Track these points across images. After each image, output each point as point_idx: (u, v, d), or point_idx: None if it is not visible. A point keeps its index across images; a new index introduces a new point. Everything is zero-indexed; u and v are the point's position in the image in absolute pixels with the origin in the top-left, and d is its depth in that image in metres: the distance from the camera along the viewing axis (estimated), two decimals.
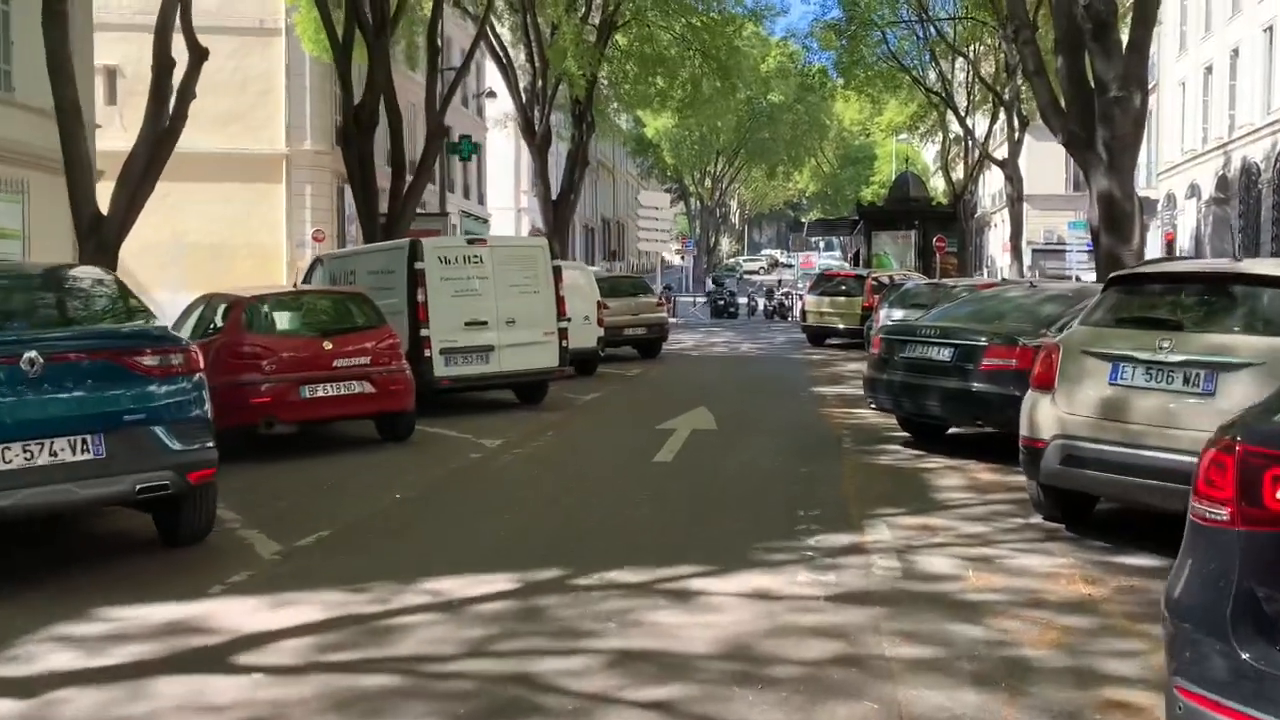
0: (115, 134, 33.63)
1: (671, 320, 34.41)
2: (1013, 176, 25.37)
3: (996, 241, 64.76)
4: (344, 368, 10.03)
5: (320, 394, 9.88)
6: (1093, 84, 18.27)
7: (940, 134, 34.14)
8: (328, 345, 10.04)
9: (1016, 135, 24.99)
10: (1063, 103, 17.97)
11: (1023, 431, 7.10)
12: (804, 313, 25.12)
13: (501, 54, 30.02)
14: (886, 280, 24.47)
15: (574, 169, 31.62)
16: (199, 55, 13.59)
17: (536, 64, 30.32)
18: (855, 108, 76.28)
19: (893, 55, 30.47)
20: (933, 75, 31.13)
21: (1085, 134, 17.79)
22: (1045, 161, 55.58)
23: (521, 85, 31.78)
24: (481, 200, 49.24)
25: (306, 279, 15.56)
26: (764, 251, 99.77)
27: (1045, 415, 6.88)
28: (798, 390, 15.63)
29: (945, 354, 9.78)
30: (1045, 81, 18.11)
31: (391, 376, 10.32)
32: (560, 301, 13.56)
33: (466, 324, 12.79)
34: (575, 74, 28.21)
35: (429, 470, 9.34)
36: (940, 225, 32.08)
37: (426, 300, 12.53)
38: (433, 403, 12.50)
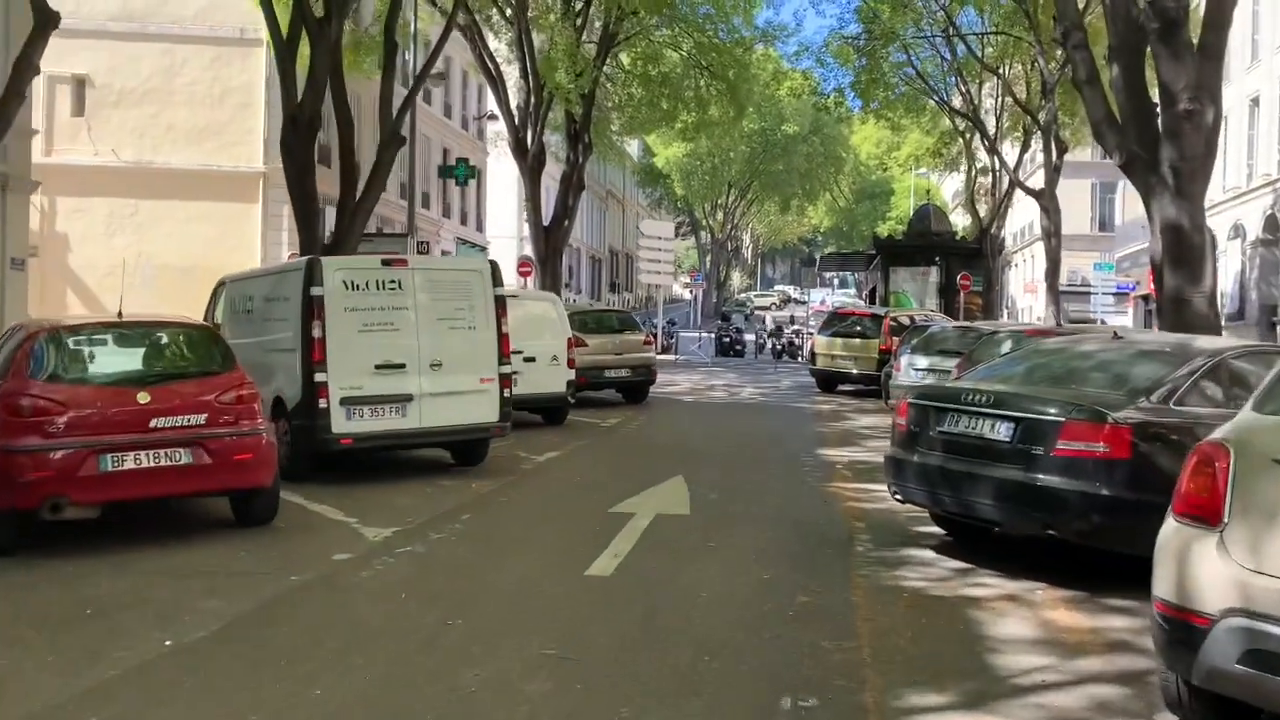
0: (83, 148, 31.32)
1: (673, 358, 31.63)
2: (1049, 209, 22.43)
3: (1018, 281, 61.67)
4: (166, 429, 7.16)
5: (129, 466, 7.01)
6: (1155, 98, 15.45)
7: (965, 163, 31.26)
8: (144, 398, 7.18)
9: (1055, 162, 22.11)
10: (1118, 119, 15.15)
11: (1161, 591, 4.17)
12: (813, 354, 22.18)
13: (490, 65, 27.41)
14: (907, 321, 21.52)
15: (568, 193, 28.90)
16: (46, 18, 10.78)
17: (530, 79, 27.69)
18: (872, 140, 73.77)
19: (918, 74, 27.66)
20: (958, 99, 28.30)
21: (1147, 154, 14.94)
22: (1071, 199, 52.56)
23: (515, 103, 29.18)
24: (480, 227, 46.64)
25: (209, 308, 12.75)
26: (776, 287, 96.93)
27: (1208, 571, 3.94)
28: (800, 454, 12.68)
29: (1002, 430, 6.85)
30: (1099, 92, 15.27)
31: (236, 442, 7.43)
32: (504, 340, 10.67)
33: (378, 367, 9.93)
34: (567, 88, 25.53)
35: (257, 586, 6.43)
36: (964, 262, 29.14)
37: (324, 335, 9.69)
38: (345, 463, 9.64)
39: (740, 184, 61.60)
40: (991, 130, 27.77)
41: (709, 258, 66.54)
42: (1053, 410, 6.67)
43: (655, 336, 36.10)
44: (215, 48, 32.22)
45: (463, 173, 42.36)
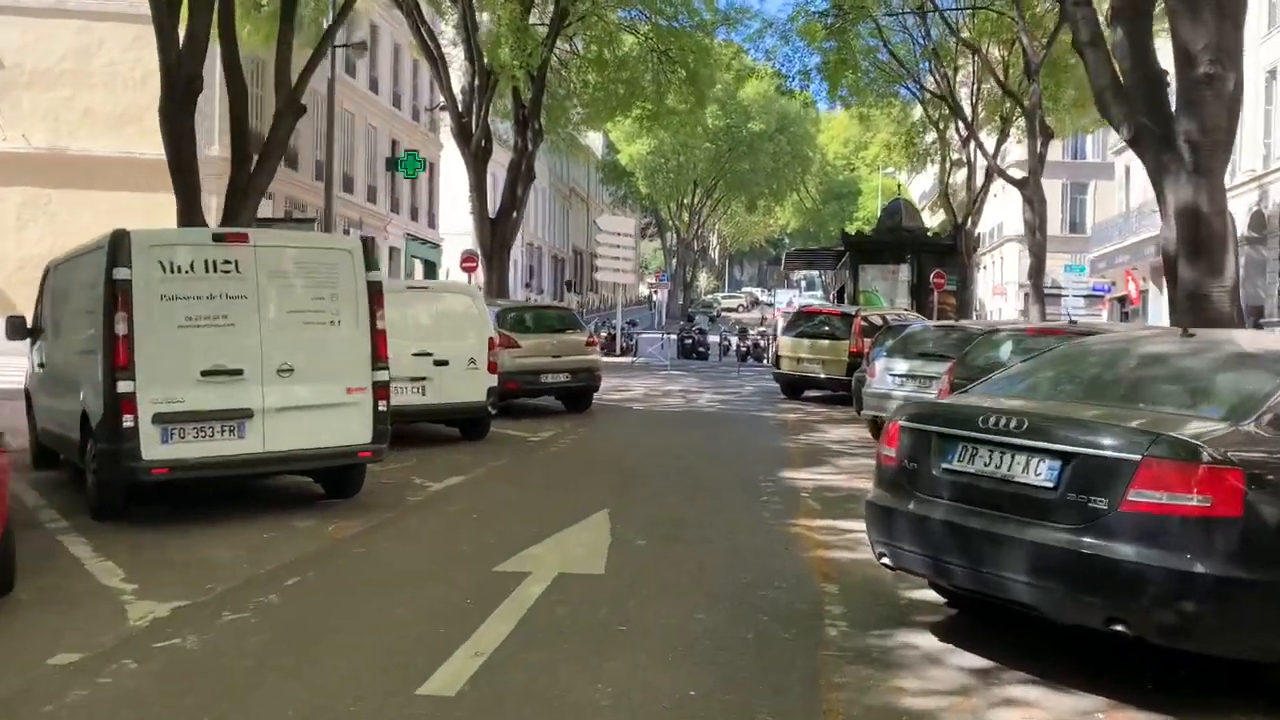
0: None
1: (630, 360, 29.29)
2: (1033, 200, 20.26)
3: (985, 283, 59.88)
4: None
5: None
6: (1165, 64, 13.31)
7: (939, 154, 29.11)
8: None
9: (1039, 150, 19.96)
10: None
11: None
12: (777, 358, 19.89)
13: (430, 43, 24.95)
14: (879, 321, 19.29)
15: (516, 182, 26.50)
16: None
17: (475, 59, 25.28)
18: (840, 139, 71.80)
19: (892, 55, 25.40)
20: (933, 83, 26.12)
21: (1159, 127, 12.78)
22: None
23: (459, 86, 26.75)
24: (433, 223, 44.06)
25: (37, 302, 10.24)
26: (744, 289, 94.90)
27: None
28: (759, 476, 10.36)
29: (1041, 472, 4.58)
30: (1103, 55, 13.07)
31: None
32: (380, 339, 8.26)
33: (206, 373, 7.52)
34: (511, 65, 23.16)
35: None
36: (938, 259, 26.99)
37: (131, 332, 7.27)
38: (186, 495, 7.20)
39: (706, 183, 59.40)
40: (968, 116, 25.59)
41: (675, 259, 64.26)
42: (1119, 442, 4.40)
43: (613, 337, 33.92)
44: (137, 26, 29.34)
45: (412, 165, 40.11)
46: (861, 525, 5.77)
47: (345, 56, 35.44)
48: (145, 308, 7.32)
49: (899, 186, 44.95)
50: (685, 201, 60.84)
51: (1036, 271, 20.53)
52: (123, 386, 7.20)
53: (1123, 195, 40.92)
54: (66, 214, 28.24)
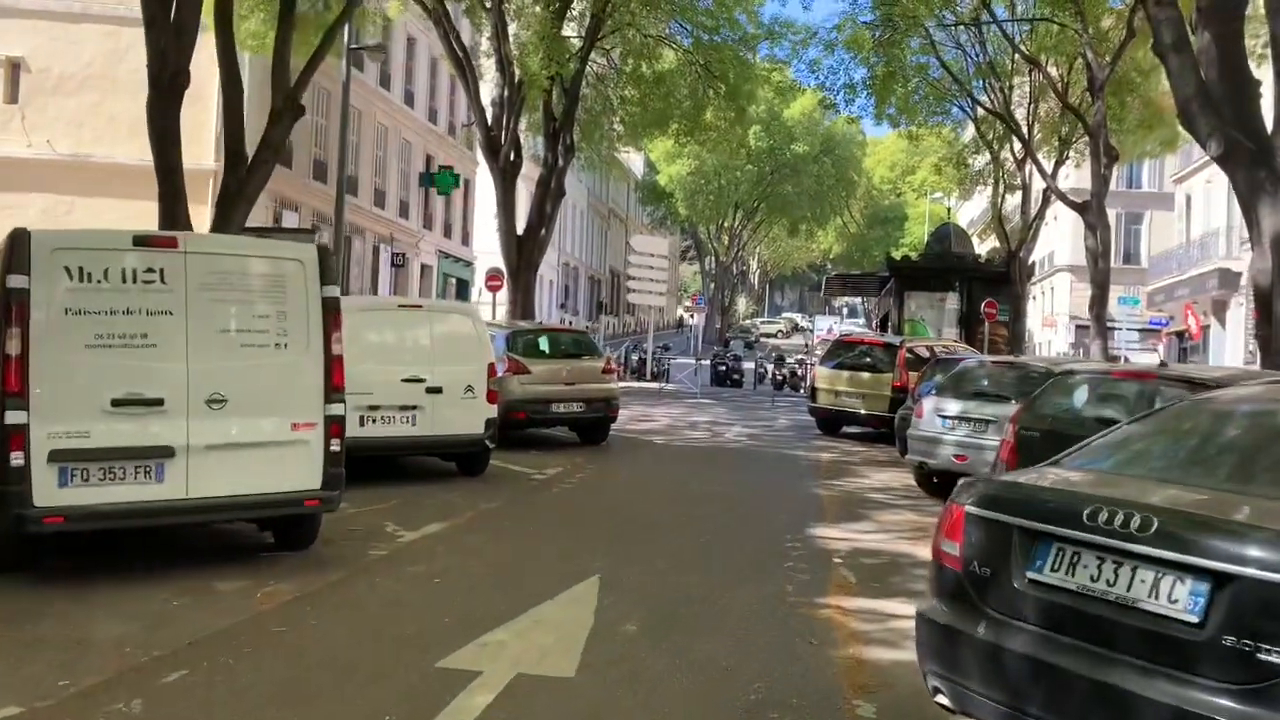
0: (15, 138, 27.89)
1: (658, 387, 27.86)
2: (1096, 226, 18.59)
3: (1035, 314, 57.75)
4: None
5: None
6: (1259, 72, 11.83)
7: (992, 176, 27.43)
8: None
9: (1104, 171, 18.33)
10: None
11: None
12: (813, 389, 18.39)
13: (459, 50, 23.86)
14: (926, 353, 17.76)
15: (545, 199, 25.27)
16: None
17: (505, 70, 24.18)
18: (886, 164, 70.03)
19: (942, 65, 23.83)
20: (987, 100, 24.51)
21: (1253, 141, 11.24)
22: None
23: (490, 99, 25.66)
24: (466, 241, 43.04)
25: None
26: (784, 314, 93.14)
27: None
28: (784, 534, 8.89)
29: (1179, 596, 3.12)
30: (1189, 62, 11.58)
31: None
32: (335, 365, 6.94)
33: (118, 403, 6.24)
34: (539, 75, 22.00)
35: None
36: (989, 288, 25.32)
37: (25, 352, 6.01)
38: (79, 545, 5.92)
39: (747, 205, 57.98)
40: (1025, 135, 23.86)
41: (713, 282, 62.81)
42: None
43: (644, 362, 32.54)
44: (136, 30, 28.75)
45: (448, 181, 39.11)
46: (907, 607, 4.32)
47: (379, 70, 34.76)
48: (45, 323, 6.07)
49: (948, 211, 43.17)
50: (725, 224, 59.46)
51: (1099, 302, 18.85)
52: (13, 416, 5.94)
53: (1182, 226, 38.89)
54: (89, 222, 27.37)
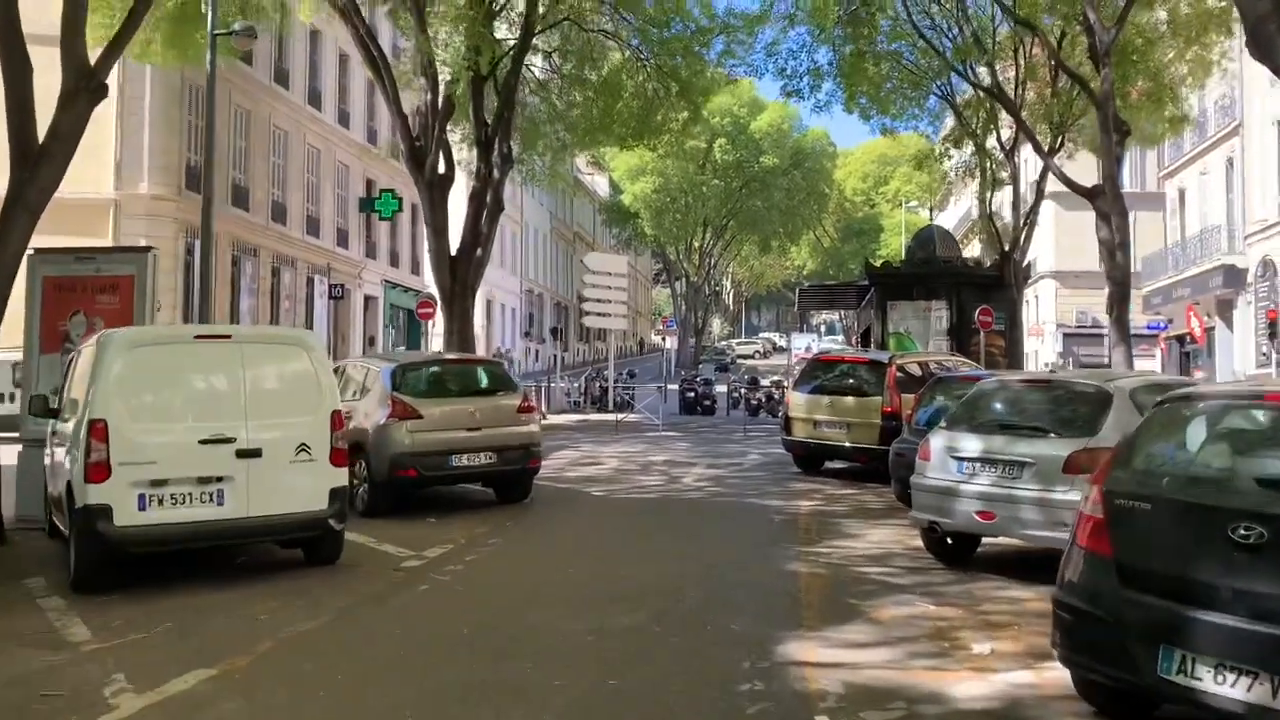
0: None
1: (614, 419, 24.55)
2: (1110, 214, 15.40)
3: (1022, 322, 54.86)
4: None
5: None
6: None
7: (979, 166, 24.36)
8: None
9: (1115, 150, 15.22)
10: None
11: None
12: (787, 419, 15.20)
13: (373, 49, 20.73)
14: (918, 371, 14.62)
15: (479, 215, 22.10)
16: None
17: (428, 72, 21.07)
18: (858, 174, 67.36)
19: (924, 40, 20.68)
20: (974, 78, 21.45)
21: None
22: (1073, 234, 46.32)
23: (413, 107, 22.58)
24: (416, 269, 39.73)
25: None
26: (761, 334, 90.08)
27: None
28: (739, 667, 5.63)
29: None
30: None
31: None
32: None
33: None
34: (461, 68, 18.95)
35: None
36: (981, 295, 22.23)
37: None
38: None
39: (716, 223, 55.00)
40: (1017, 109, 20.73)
41: (685, 304, 59.75)
42: None
43: (605, 391, 29.29)
44: (51, 49, 25.36)
45: (389, 206, 35.95)
46: None
47: (307, 87, 31.59)
48: None
49: (930, 213, 40.19)
50: (694, 243, 56.45)
51: (1119, 301, 15.68)
52: None
53: (1176, 223, 36.09)
54: None
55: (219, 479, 7.48)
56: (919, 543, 8.87)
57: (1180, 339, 34.68)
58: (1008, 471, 7.79)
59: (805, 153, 53.63)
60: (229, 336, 8.00)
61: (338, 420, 8.05)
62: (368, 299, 35.85)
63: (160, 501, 7.32)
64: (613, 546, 9.33)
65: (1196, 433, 4.64)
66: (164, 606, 6.83)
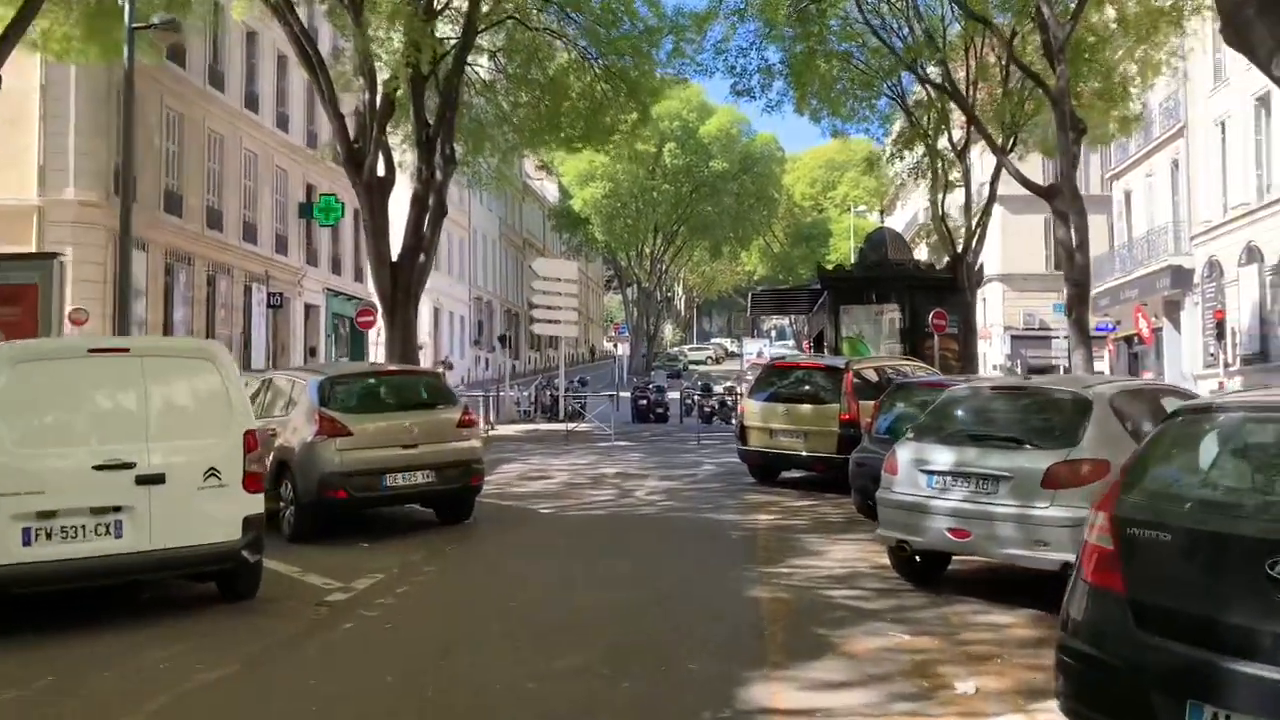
0: None
1: (565, 429, 23.78)
2: (1066, 213, 15.01)
3: None
4: None
5: None
6: None
7: (930, 167, 24.03)
8: None
9: (1072, 148, 14.85)
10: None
11: None
12: (743, 428, 14.61)
13: (308, 46, 19.85)
14: (876, 376, 14.13)
15: (421, 219, 21.28)
16: None
17: (364, 69, 20.22)
18: (806, 179, 67.33)
19: (872, 31, 20.32)
20: (925, 77, 21.08)
21: None
22: (1021, 238, 46.65)
23: (352, 107, 21.73)
24: (359, 277, 38.62)
25: None
26: (713, 340, 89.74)
27: None
28: (697, 716, 5.00)
29: None
30: None
31: None
32: None
33: None
34: (397, 63, 18.16)
35: None
36: (935, 297, 21.90)
37: None
38: None
39: (667, 228, 54.50)
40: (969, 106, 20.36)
41: (636, 309, 59.09)
42: None
43: (556, 400, 28.54)
44: None
45: (332, 211, 34.84)
46: None
47: (244, 90, 30.47)
48: None
49: (880, 216, 39.97)
50: (645, 249, 55.89)
51: (1078, 302, 15.31)
52: None
53: (1123, 225, 36.25)
54: None
55: (116, 509, 6.67)
56: (885, 560, 8.29)
57: (1128, 340, 34.80)
58: (982, 486, 7.23)
59: (754, 157, 53.40)
60: (127, 350, 7.17)
61: (251, 441, 7.26)
62: (309, 308, 34.72)
63: (49, 535, 6.49)
64: (560, 573, 8.63)
65: (1220, 450, 4.07)
66: (47, 656, 6.01)
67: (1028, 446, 7.25)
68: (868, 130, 25.40)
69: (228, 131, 29.23)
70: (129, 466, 6.70)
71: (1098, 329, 37.27)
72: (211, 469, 7.02)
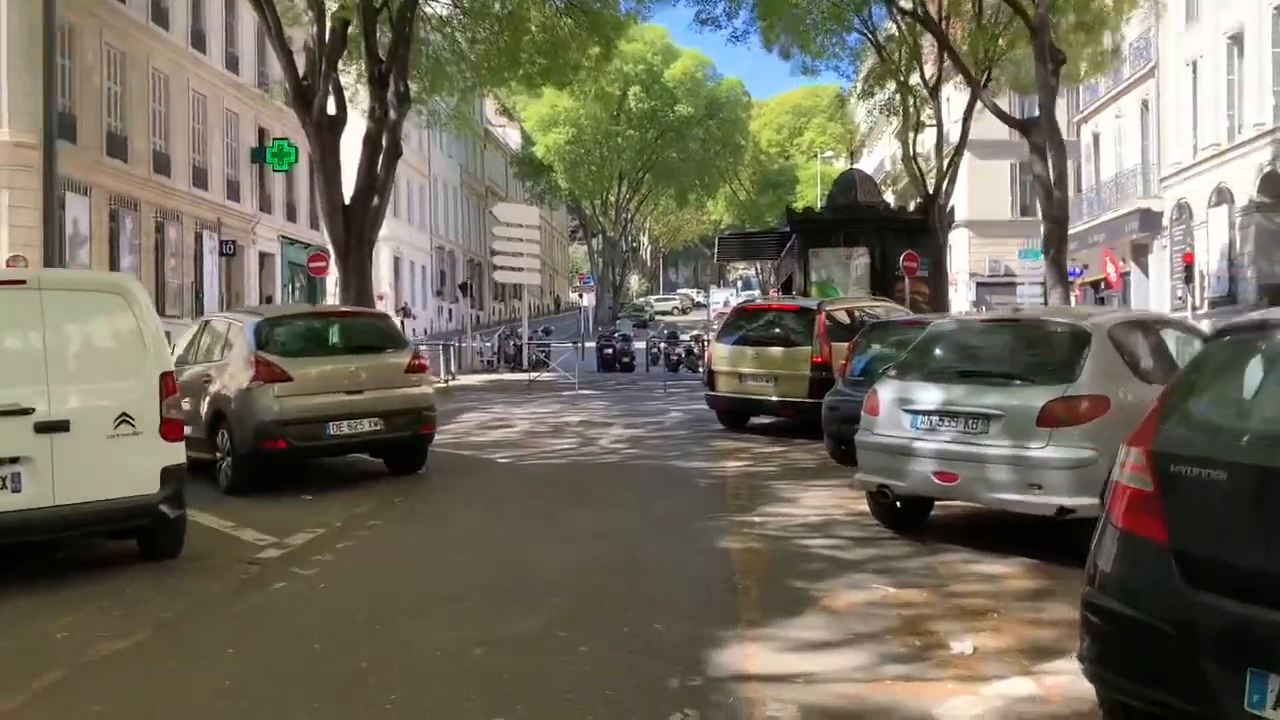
0: None
1: (528, 379, 23.14)
2: (1044, 147, 14.35)
3: None
4: None
5: None
6: None
7: (901, 105, 23.24)
8: None
9: (1051, 81, 14.12)
10: None
11: None
12: (711, 374, 13.99)
13: None
14: (849, 318, 13.54)
15: (374, 159, 20.26)
16: None
17: (312, 2, 19.09)
18: (773, 126, 66.33)
19: None
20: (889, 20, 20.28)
21: None
22: (987, 184, 46.09)
23: (301, 43, 20.60)
24: (315, 224, 37.34)
25: None
26: (679, 291, 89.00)
27: None
28: (665, 683, 4.40)
29: None
30: None
31: None
32: None
33: None
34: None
35: None
36: (906, 240, 21.29)
37: None
38: None
39: (632, 176, 53.43)
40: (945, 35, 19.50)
41: (601, 259, 58.14)
42: None
43: (520, 350, 27.85)
44: None
45: (283, 156, 33.54)
46: None
47: (189, 28, 28.99)
48: None
49: (849, 157, 39.20)
50: (610, 197, 54.83)
51: (1056, 241, 14.73)
52: None
53: (1091, 168, 35.80)
54: None
55: (14, 460, 5.91)
56: (863, 506, 7.73)
57: (1095, 285, 34.53)
58: (971, 425, 6.64)
59: (720, 102, 52.35)
60: (23, 282, 6.36)
61: (170, 384, 6.51)
62: (264, 256, 33.55)
63: None
64: (515, 525, 7.99)
65: (1238, 370, 3.47)
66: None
67: (1021, 383, 6.67)
68: (838, 68, 24.62)
69: (173, 71, 27.82)
70: (26, 413, 5.93)
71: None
72: (123, 415, 6.27)
